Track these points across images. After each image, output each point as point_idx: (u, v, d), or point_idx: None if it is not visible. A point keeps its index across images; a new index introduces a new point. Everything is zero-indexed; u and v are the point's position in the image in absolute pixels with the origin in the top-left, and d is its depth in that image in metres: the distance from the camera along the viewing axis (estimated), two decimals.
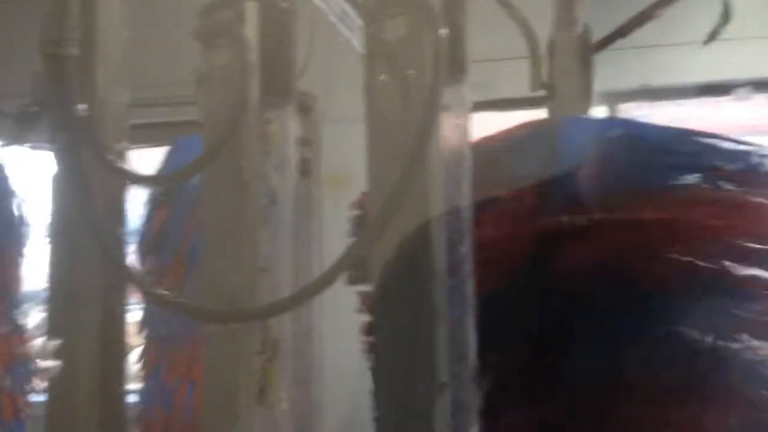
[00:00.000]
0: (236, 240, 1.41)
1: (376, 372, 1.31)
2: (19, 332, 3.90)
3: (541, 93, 2.69)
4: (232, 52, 1.40)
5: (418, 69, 1.23)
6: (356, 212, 1.73)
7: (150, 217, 3.54)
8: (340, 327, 1.94)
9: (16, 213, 3.97)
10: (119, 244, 1.54)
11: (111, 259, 1.44)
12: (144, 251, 3.56)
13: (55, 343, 1.43)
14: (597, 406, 1.41)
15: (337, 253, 1.23)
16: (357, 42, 1.78)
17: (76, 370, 1.45)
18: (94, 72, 1.49)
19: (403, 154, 1.18)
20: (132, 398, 3.42)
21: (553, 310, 1.43)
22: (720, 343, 1.37)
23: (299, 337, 3.86)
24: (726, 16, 2.41)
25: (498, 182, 1.46)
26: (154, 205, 3.50)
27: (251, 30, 1.40)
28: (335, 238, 1.69)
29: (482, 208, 1.34)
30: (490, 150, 1.54)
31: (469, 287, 1.29)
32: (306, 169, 4.84)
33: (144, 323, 3.53)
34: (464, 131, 1.31)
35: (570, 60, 2.28)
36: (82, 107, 1.47)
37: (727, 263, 1.39)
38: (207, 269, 1.48)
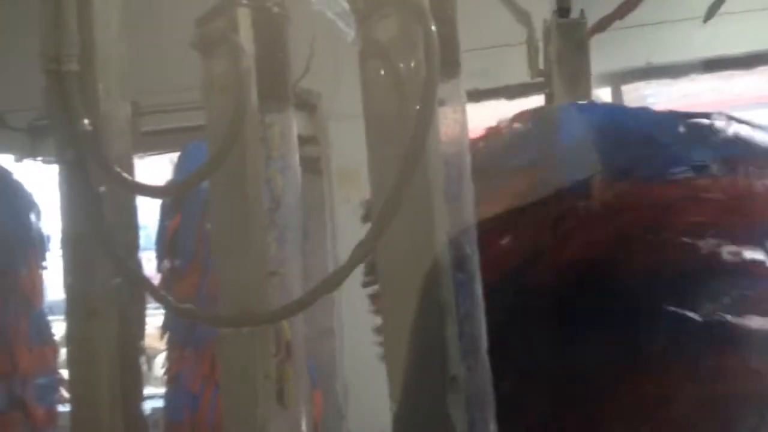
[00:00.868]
0: (244, 245, 1.42)
1: (390, 372, 1.32)
2: (43, 343, 3.96)
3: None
4: (228, 60, 1.41)
5: (411, 66, 1.23)
6: (365, 211, 1.75)
7: (165, 224, 3.59)
8: (363, 325, 1.95)
9: (35, 225, 4.03)
10: (131, 254, 1.56)
11: (124, 270, 1.47)
12: (161, 257, 3.61)
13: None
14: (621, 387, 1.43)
15: (352, 247, 1.24)
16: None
17: (95, 380, 1.48)
18: (95, 86, 1.51)
19: (401, 152, 1.19)
20: (157, 403, 3.47)
21: (562, 300, 1.45)
22: (728, 319, 1.38)
23: (320, 337, 3.89)
24: None
25: (497, 173, 1.48)
26: (169, 212, 3.55)
27: (246, 36, 1.42)
28: (349, 232, 1.70)
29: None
30: (488, 141, 1.55)
31: (477, 281, 1.30)
32: (315, 167, 4.85)
33: (165, 327, 3.58)
34: (462, 125, 1.32)
35: (566, 46, 2.29)
36: (85, 122, 1.49)
37: (726, 246, 1.40)
38: (218, 274, 1.50)
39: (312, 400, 2.35)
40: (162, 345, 3.68)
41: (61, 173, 1.56)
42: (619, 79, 4.69)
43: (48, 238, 3.99)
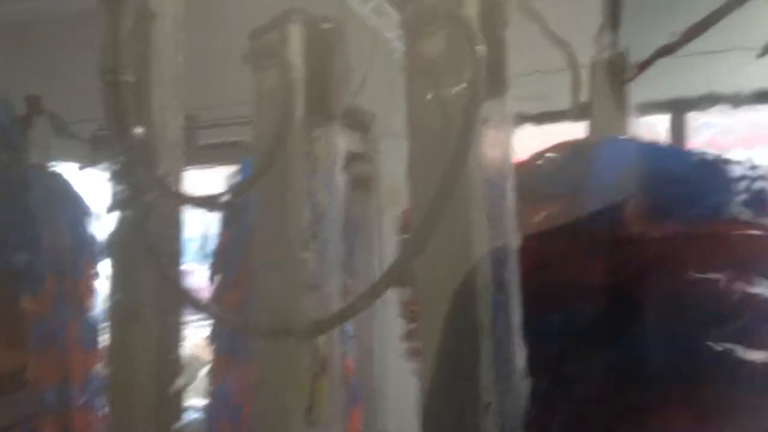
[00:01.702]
0: (283, 257, 1.43)
1: (424, 391, 1.31)
2: (95, 347, 4.04)
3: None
4: (278, 74, 1.43)
5: (457, 84, 1.22)
6: (402, 222, 1.74)
7: (219, 237, 3.64)
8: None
9: (91, 232, 4.14)
10: (174, 264, 1.58)
11: (165, 279, 1.49)
12: (213, 270, 3.66)
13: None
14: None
15: None
16: None
17: (133, 385, 1.50)
18: (150, 97, 1.54)
19: (442, 169, 1.18)
20: (200, 413, 3.49)
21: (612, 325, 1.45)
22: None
23: (360, 355, 3.87)
24: None
25: (536, 200, 1.49)
26: (223, 225, 3.60)
27: (296, 52, 1.43)
28: (395, 250, 1.69)
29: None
30: (529, 169, 1.57)
31: (516, 305, 1.27)
32: (365, 185, 4.86)
33: (212, 338, 3.61)
34: (506, 145, 1.30)
35: (607, 82, 2.37)
36: (138, 131, 1.52)
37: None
38: (258, 286, 1.51)
39: (348, 418, 2.33)
40: (209, 356, 3.71)
41: (111, 181, 1.60)
42: (680, 106, 4.58)
43: (102, 245, 4.08)
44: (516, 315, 1.23)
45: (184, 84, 1.65)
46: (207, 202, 1.44)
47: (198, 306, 1.48)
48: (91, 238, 4.05)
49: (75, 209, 4.09)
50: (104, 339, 3.94)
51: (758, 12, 2.75)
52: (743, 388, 1.44)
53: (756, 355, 1.43)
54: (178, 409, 1.57)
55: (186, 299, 1.48)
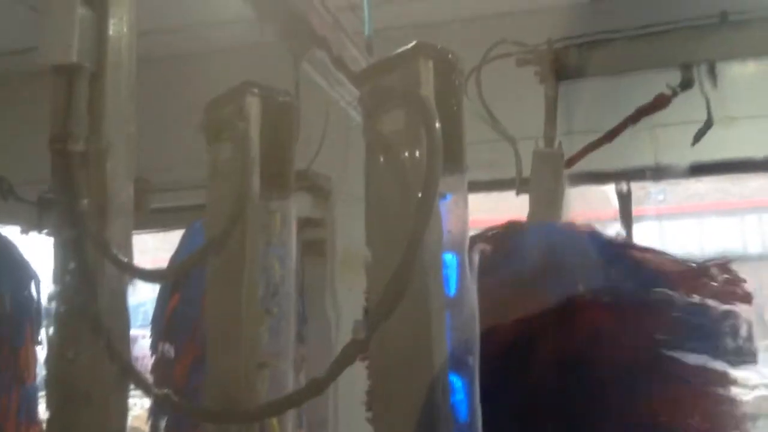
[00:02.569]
0: (235, 333, 1.39)
1: None
2: (31, 421, 3.86)
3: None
4: (234, 147, 1.41)
5: (415, 161, 1.23)
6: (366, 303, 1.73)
7: (164, 303, 3.54)
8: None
9: (35, 298, 4.00)
10: (121, 338, 1.52)
11: (111, 354, 1.43)
12: (157, 337, 3.54)
13: None
14: None
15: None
16: None
17: None
18: (100, 167, 1.50)
19: (400, 247, 1.17)
20: None
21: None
22: None
23: (314, 428, 3.76)
24: (709, 123, 2.77)
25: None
26: (168, 291, 3.51)
27: (253, 124, 1.42)
28: (352, 315, 1.67)
29: None
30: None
31: (476, 390, 1.25)
32: (319, 249, 4.81)
33: (155, 412, 3.47)
34: (464, 221, 1.30)
35: (545, 171, 2.71)
36: (86, 202, 1.48)
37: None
38: (207, 363, 1.46)
39: None
40: (147, 429, 3.56)
41: (56, 251, 1.54)
42: (625, 177, 4.73)
43: (46, 312, 3.94)
44: (477, 401, 1.21)
45: (135, 153, 1.62)
46: (156, 276, 1.39)
47: (144, 387, 1.42)
48: (35, 304, 3.91)
49: (17, 274, 3.96)
50: (43, 411, 3.77)
51: (695, 90, 2.90)
52: None
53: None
54: None
55: (132, 378, 1.42)
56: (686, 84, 2.77)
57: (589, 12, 4.36)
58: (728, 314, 1.82)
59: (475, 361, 1.27)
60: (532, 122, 3.06)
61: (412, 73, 1.22)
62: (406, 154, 1.24)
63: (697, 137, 2.89)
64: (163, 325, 3.46)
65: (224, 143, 1.44)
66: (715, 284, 1.88)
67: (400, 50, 1.25)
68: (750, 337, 1.82)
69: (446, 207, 1.28)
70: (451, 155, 1.27)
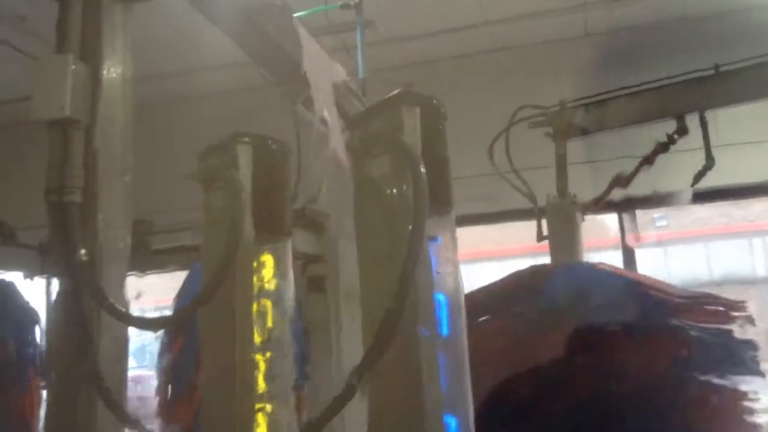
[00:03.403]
0: (231, 379, 1.39)
1: None
2: None
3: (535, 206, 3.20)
4: (227, 194, 1.43)
5: (402, 203, 1.25)
6: None
7: (167, 347, 3.55)
8: None
9: (38, 344, 4.00)
10: (119, 386, 1.53)
11: (108, 403, 1.43)
12: (161, 380, 3.54)
13: None
14: None
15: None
16: None
17: None
18: (95, 217, 1.52)
19: (391, 288, 1.18)
20: None
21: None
22: None
23: None
24: (708, 164, 2.97)
25: (505, 314, 1.69)
26: (172, 335, 3.51)
27: (245, 172, 1.45)
28: (354, 351, 1.68)
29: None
30: (499, 288, 1.97)
31: (470, 426, 1.26)
32: (320, 286, 4.81)
33: None
34: (453, 262, 1.32)
35: (561, 220, 2.93)
36: (83, 252, 1.49)
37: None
38: (203, 409, 1.46)
39: None
40: None
41: (56, 300, 1.56)
42: (629, 205, 4.76)
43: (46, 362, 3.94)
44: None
45: (131, 202, 1.64)
46: (155, 324, 1.41)
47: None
48: (38, 349, 3.91)
49: (20, 320, 3.97)
50: None
51: (695, 122, 3.00)
52: None
53: None
54: None
55: (130, 425, 1.42)
56: (682, 131, 2.99)
57: (591, 70, 4.51)
58: (738, 336, 1.95)
59: (468, 401, 1.27)
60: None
61: (397, 119, 1.24)
62: (394, 196, 1.26)
63: (697, 179, 3.09)
64: (168, 368, 3.46)
65: (216, 191, 1.46)
66: (721, 309, 2.02)
67: (385, 97, 1.28)
68: (757, 356, 1.96)
69: (436, 249, 1.29)
70: (438, 197, 1.29)
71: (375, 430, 1.31)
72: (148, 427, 1.70)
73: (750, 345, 1.98)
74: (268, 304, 1.49)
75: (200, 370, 3.18)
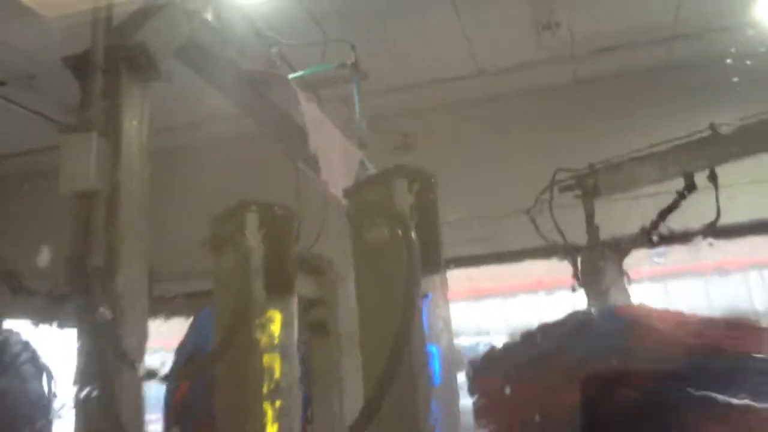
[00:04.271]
0: (241, 428, 1.51)
1: None
2: None
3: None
4: (236, 258, 1.56)
5: (396, 267, 1.38)
6: None
7: (173, 390, 3.62)
8: None
9: (46, 392, 4.05)
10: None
11: None
12: (168, 422, 3.61)
13: None
14: None
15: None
16: None
17: None
18: (116, 280, 1.64)
19: (388, 343, 1.30)
20: None
21: None
22: None
23: None
24: (719, 215, 3.15)
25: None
26: (178, 379, 3.59)
27: (253, 237, 1.58)
28: (357, 393, 1.78)
29: None
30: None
31: None
32: (322, 330, 4.87)
33: None
34: (444, 317, 1.44)
35: (591, 269, 3.25)
36: (104, 312, 1.60)
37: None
38: None
39: None
40: None
41: (79, 356, 1.66)
42: (626, 243, 4.88)
43: (60, 406, 4.00)
44: None
45: (148, 265, 1.75)
46: (168, 378, 1.52)
47: None
48: (46, 399, 3.97)
49: (28, 369, 4.02)
50: None
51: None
52: None
53: None
54: None
55: None
56: (691, 188, 3.21)
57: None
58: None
59: None
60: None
61: (390, 190, 1.38)
62: (388, 261, 1.39)
63: (706, 232, 3.31)
64: (174, 412, 3.53)
65: (226, 254, 1.59)
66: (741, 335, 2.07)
67: (381, 171, 1.43)
68: None
69: (428, 305, 1.42)
70: (429, 258, 1.43)
71: None
72: None
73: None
74: (277, 357, 1.61)
75: (206, 415, 3.26)
